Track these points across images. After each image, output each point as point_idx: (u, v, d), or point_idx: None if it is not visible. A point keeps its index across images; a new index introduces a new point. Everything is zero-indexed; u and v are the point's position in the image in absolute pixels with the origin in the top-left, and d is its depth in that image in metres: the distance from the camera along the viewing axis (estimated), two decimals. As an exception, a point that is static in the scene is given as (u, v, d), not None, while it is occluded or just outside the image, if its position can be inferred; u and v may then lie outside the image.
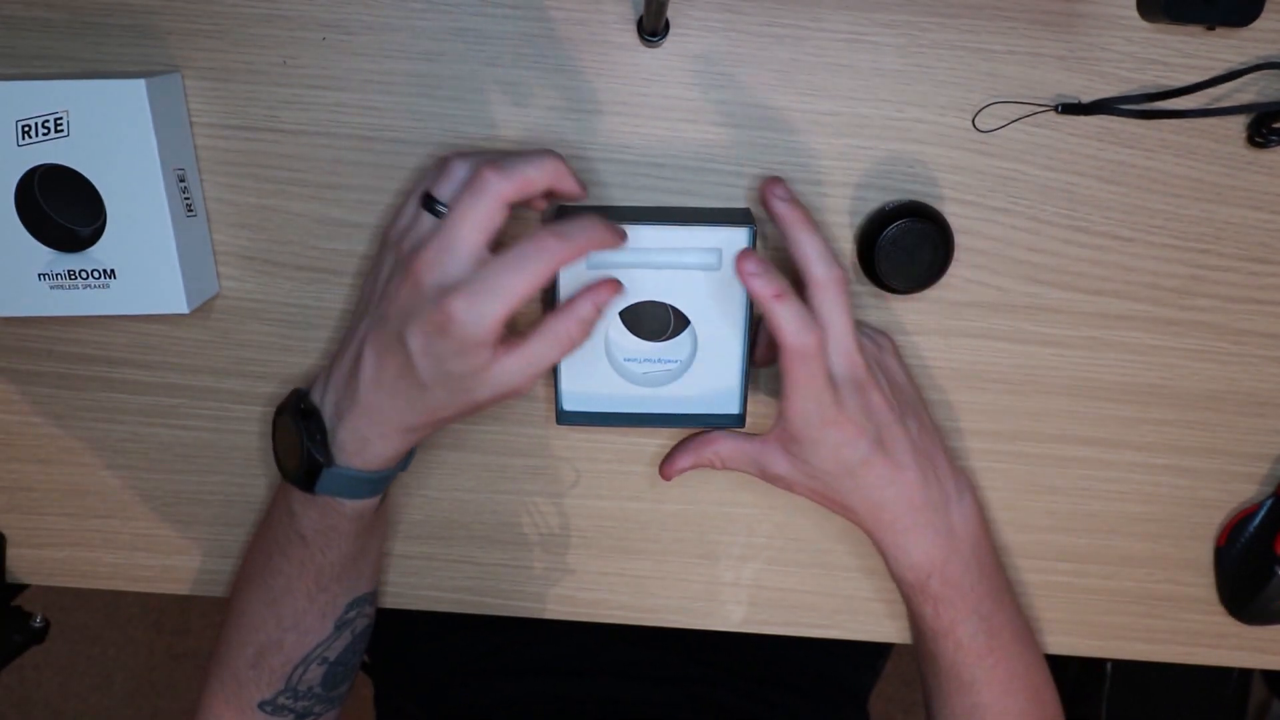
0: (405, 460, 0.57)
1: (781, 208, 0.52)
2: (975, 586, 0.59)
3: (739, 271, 0.50)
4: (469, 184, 0.48)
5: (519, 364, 0.50)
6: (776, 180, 0.53)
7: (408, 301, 0.49)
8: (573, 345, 0.50)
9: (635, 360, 0.59)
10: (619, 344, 0.59)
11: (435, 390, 0.50)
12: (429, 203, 0.51)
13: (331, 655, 0.61)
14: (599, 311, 0.50)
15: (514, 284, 0.47)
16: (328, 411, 0.54)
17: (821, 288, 0.51)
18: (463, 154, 0.52)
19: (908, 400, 0.58)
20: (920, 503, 0.57)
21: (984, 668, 0.59)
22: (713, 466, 0.59)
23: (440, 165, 0.52)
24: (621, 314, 0.58)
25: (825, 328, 0.52)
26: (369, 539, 0.60)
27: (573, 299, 0.50)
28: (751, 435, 0.58)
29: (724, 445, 0.59)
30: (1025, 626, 0.63)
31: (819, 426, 0.53)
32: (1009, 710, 0.60)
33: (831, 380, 0.52)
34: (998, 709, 0.60)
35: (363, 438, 0.53)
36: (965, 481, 0.59)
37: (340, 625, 0.61)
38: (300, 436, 0.54)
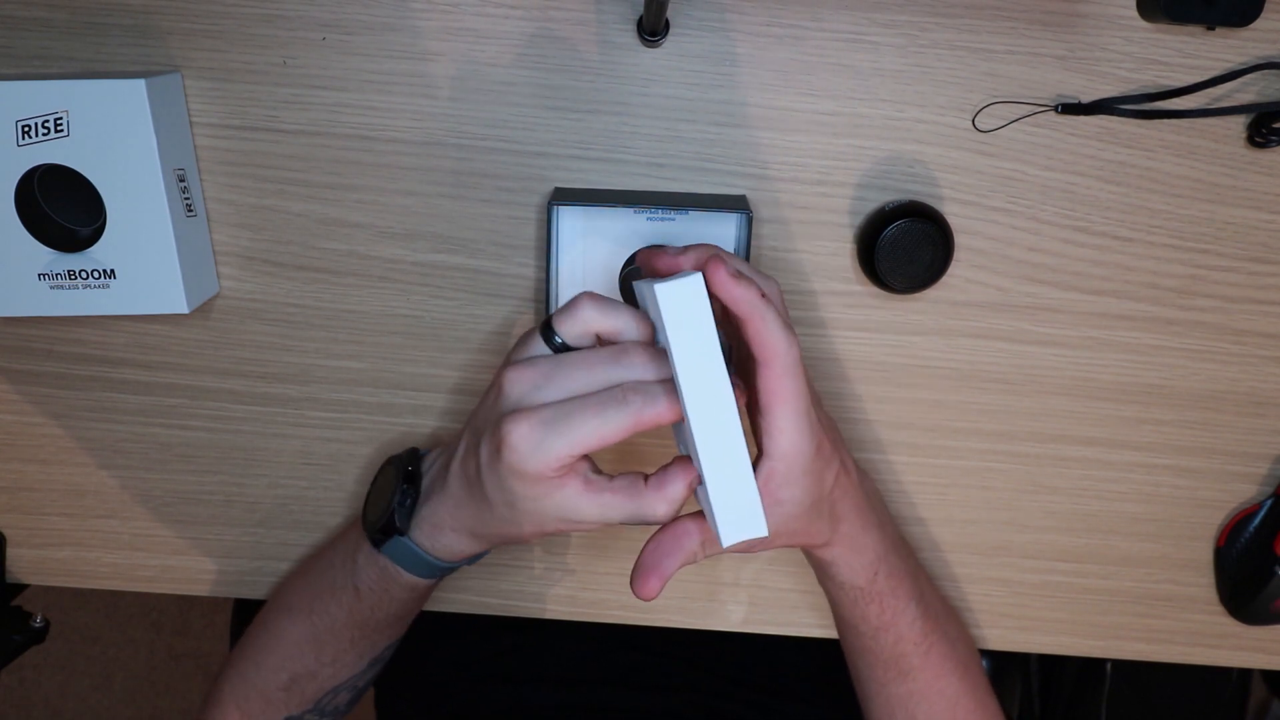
0: (476, 557, 0.56)
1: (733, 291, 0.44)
2: (906, 569, 0.58)
3: (714, 280, 0.42)
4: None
5: (591, 506, 0.46)
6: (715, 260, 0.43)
7: (490, 409, 0.47)
8: (651, 521, 0.46)
9: None
10: None
11: (498, 506, 0.48)
12: (547, 332, 0.48)
13: (362, 684, 0.63)
14: (690, 492, 0.45)
15: (585, 432, 0.43)
16: (425, 483, 0.54)
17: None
18: (594, 296, 0.47)
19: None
20: (861, 502, 0.54)
21: (920, 653, 0.59)
22: (694, 562, 0.50)
23: (571, 302, 0.47)
24: (623, 293, 0.58)
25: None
26: (417, 605, 0.60)
27: (667, 475, 0.45)
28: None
29: (695, 536, 0.49)
30: (944, 599, 0.63)
31: (810, 457, 0.46)
32: (943, 692, 0.60)
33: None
34: (932, 691, 0.60)
35: (437, 524, 0.53)
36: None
37: (374, 662, 0.62)
38: (393, 495, 0.54)
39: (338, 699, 0.62)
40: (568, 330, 0.47)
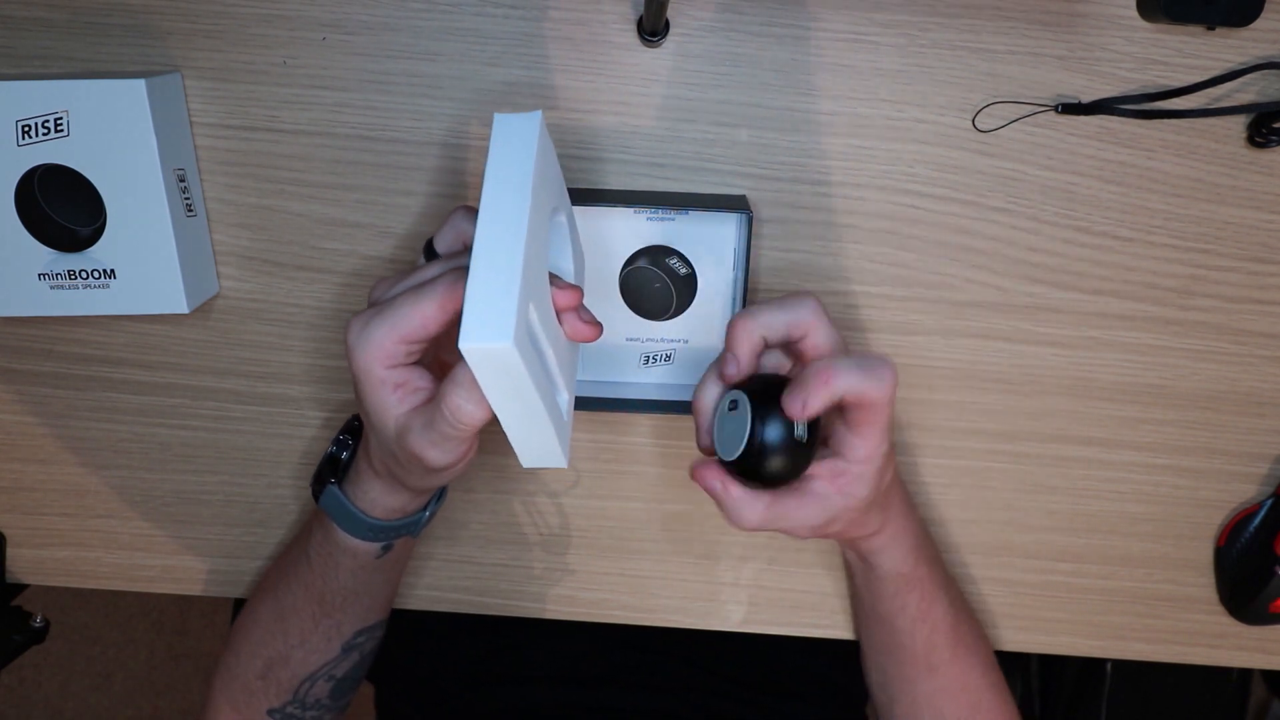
0: (412, 525, 0.55)
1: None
2: (937, 556, 0.60)
3: (791, 408, 0.45)
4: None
5: (409, 405, 0.45)
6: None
7: None
8: (455, 415, 0.43)
9: (637, 340, 0.59)
10: (620, 324, 0.59)
11: (373, 431, 0.48)
12: (428, 247, 0.49)
13: (339, 673, 0.62)
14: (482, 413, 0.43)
15: (402, 314, 0.43)
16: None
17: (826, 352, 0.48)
18: (467, 207, 0.49)
19: None
20: (905, 491, 0.57)
21: (949, 645, 0.59)
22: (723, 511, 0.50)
23: (447, 214, 0.49)
24: (623, 292, 0.58)
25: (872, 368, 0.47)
26: (371, 579, 0.59)
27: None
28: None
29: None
30: (963, 595, 0.65)
31: (880, 463, 0.49)
32: (967, 687, 0.61)
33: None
34: (957, 687, 0.60)
35: (359, 469, 0.53)
36: None
37: (348, 648, 0.61)
38: (332, 445, 0.55)
39: (316, 689, 0.61)
40: (441, 240, 0.49)
